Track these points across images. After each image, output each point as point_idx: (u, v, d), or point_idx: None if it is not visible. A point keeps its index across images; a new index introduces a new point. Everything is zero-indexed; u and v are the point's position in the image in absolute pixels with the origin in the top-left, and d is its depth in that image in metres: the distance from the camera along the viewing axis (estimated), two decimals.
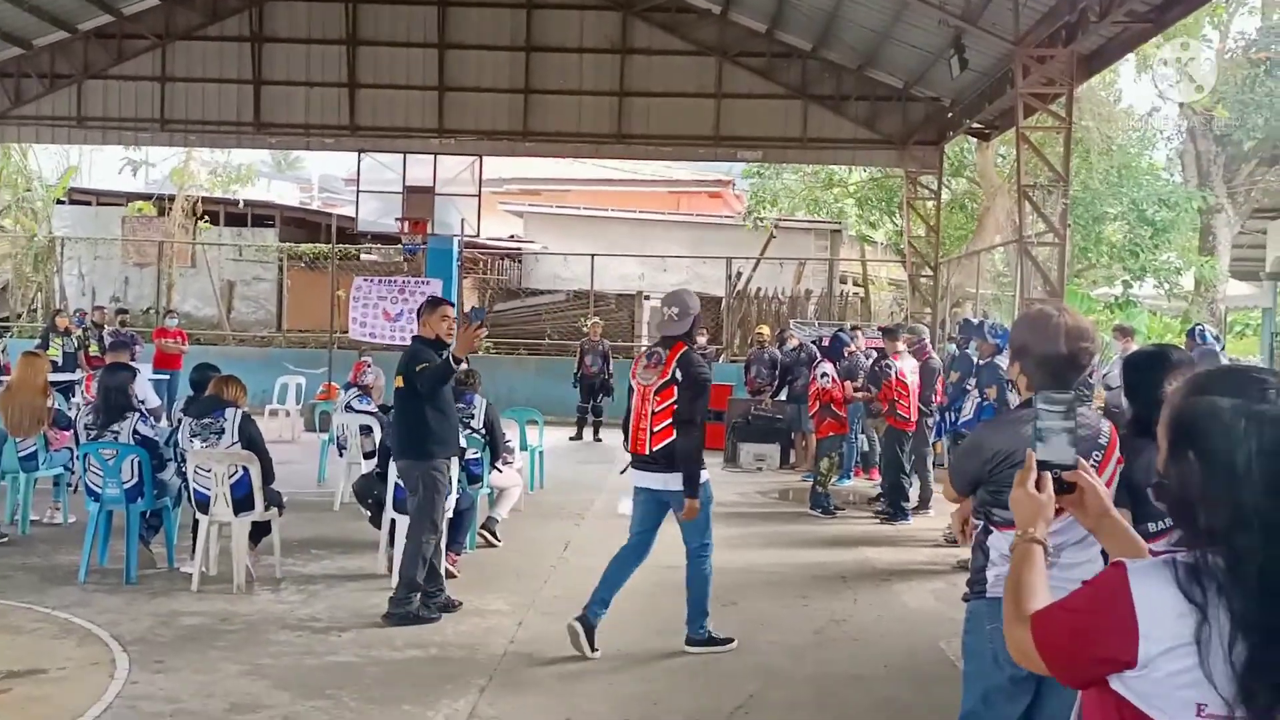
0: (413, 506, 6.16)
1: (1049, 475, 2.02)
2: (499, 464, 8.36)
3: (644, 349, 7.34)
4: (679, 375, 5.53)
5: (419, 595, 6.14)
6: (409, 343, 6.48)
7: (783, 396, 13.68)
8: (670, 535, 8.91)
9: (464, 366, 6.20)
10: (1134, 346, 11.16)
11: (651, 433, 5.55)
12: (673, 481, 5.58)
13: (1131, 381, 3.46)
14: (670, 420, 5.52)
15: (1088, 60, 12.93)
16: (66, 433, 8.35)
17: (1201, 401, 1.76)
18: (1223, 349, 10.10)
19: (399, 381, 6.14)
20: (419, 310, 6.47)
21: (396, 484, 7.05)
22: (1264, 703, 1.63)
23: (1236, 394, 1.74)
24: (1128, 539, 2.16)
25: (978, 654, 3.11)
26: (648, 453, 5.59)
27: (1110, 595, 1.72)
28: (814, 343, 14.06)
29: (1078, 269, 19.56)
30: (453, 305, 6.88)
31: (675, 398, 5.51)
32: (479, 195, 17.82)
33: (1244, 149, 20.94)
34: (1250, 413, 1.70)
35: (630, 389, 5.79)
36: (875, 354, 11.29)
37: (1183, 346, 9.70)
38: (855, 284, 23.40)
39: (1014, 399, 5.87)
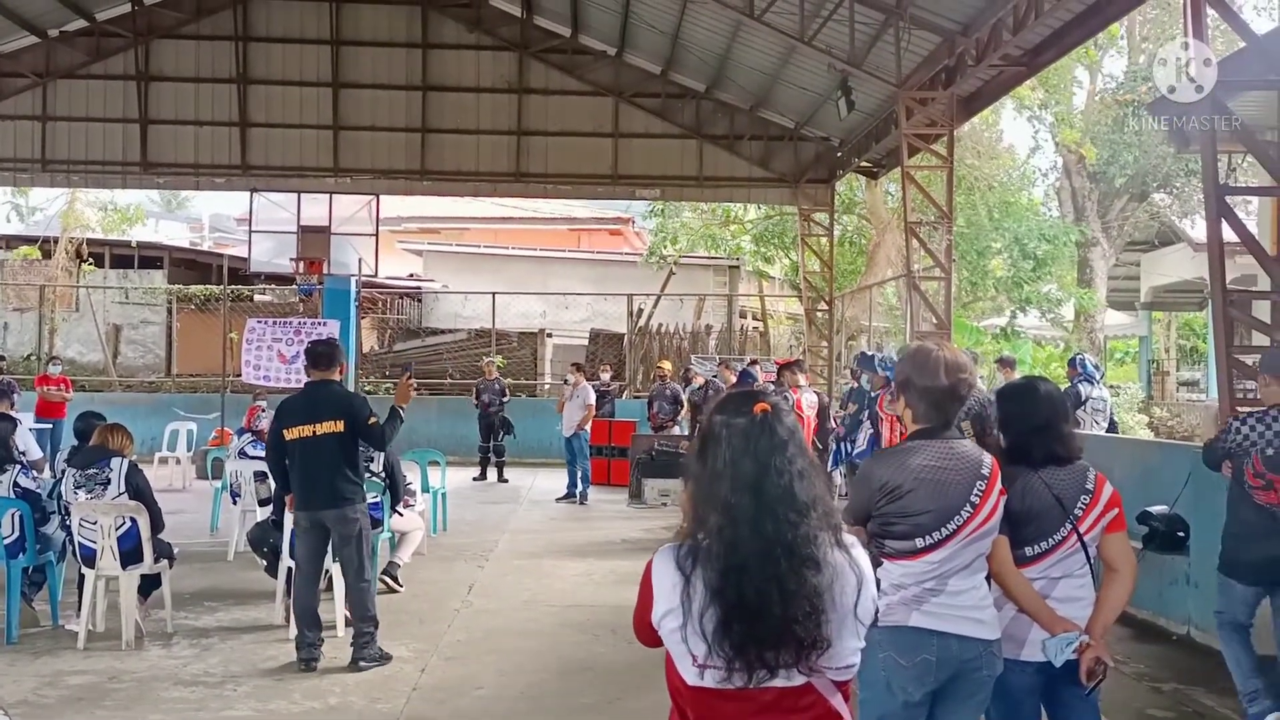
0: (352, 551, 6.13)
1: None
2: (400, 507, 8.25)
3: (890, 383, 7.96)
4: None
5: (376, 630, 6.15)
6: (332, 386, 6.31)
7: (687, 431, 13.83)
8: (575, 574, 8.93)
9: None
10: (1016, 376, 11.62)
11: None
12: None
13: (1003, 413, 3.62)
14: None
15: (966, 102, 13.49)
16: None
17: (711, 417, 2.23)
18: (1103, 376, 10.57)
19: (337, 425, 6.04)
20: (334, 355, 6.36)
21: (293, 531, 6.91)
22: (734, 657, 2.04)
23: (729, 411, 2.20)
24: None
25: (871, 682, 3.19)
26: None
27: (647, 574, 2.19)
28: (713, 378, 14.26)
29: (966, 301, 20.24)
30: None
31: None
32: (376, 234, 17.66)
33: (1115, 185, 22.00)
34: (729, 425, 2.17)
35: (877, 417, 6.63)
36: (772, 387, 11.50)
37: (1066, 374, 10.15)
38: (754, 318, 23.80)
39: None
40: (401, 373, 6.66)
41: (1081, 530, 3.39)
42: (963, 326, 17.75)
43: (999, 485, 3.18)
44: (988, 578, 3.28)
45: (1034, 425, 3.46)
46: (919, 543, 3.06)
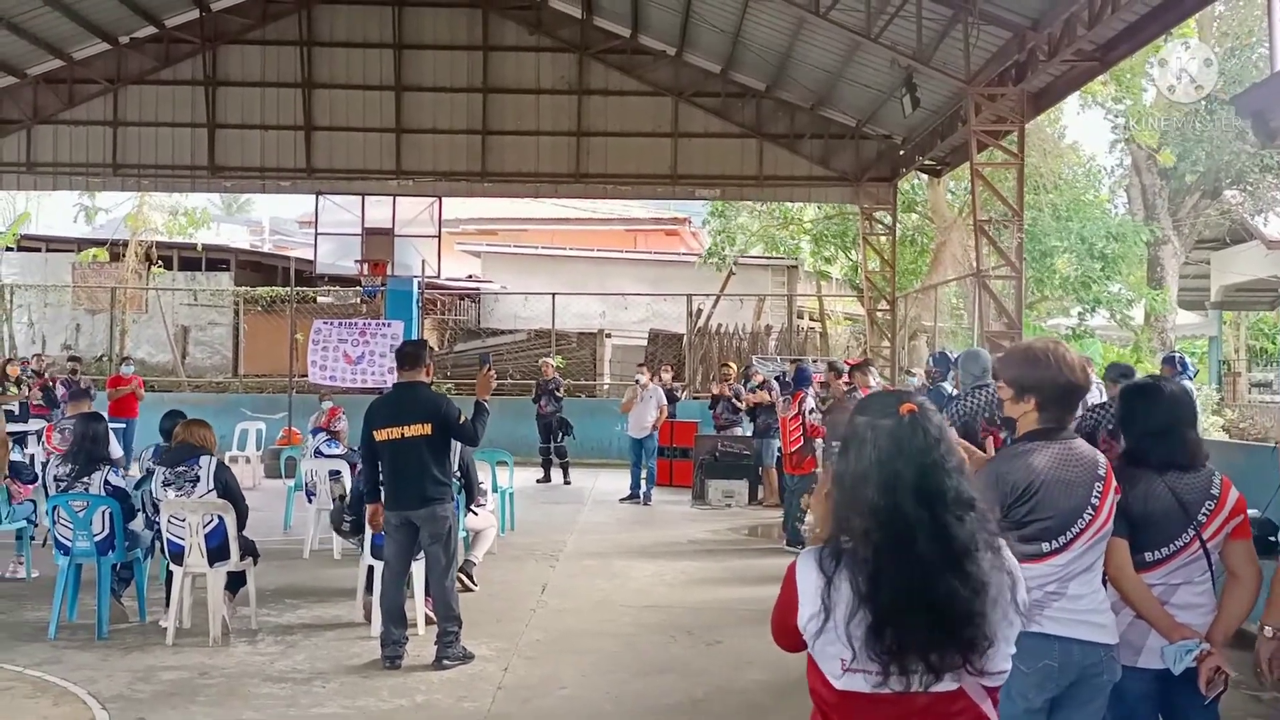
0: (439, 549, 6.17)
1: None
2: (474, 506, 8.29)
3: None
4: None
5: (459, 630, 6.20)
6: (419, 389, 6.31)
7: (749, 432, 13.76)
8: (647, 575, 8.91)
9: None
10: (1092, 376, 11.39)
11: None
12: None
13: (1125, 413, 3.53)
14: None
15: (1036, 98, 13.27)
16: (30, 486, 8.16)
17: (854, 418, 2.19)
18: (1195, 374, 10.40)
19: (425, 428, 6.08)
20: (419, 355, 6.36)
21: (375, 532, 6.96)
22: (891, 662, 2.01)
23: (874, 412, 2.16)
24: None
25: None
26: None
27: (789, 578, 2.16)
28: (777, 378, 14.15)
29: (1030, 301, 19.90)
30: None
31: None
32: (439, 236, 17.79)
33: (1186, 182, 21.53)
34: (875, 426, 2.13)
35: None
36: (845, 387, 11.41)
37: (1162, 373, 9.96)
38: (812, 319, 23.63)
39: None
40: (480, 365, 6.73)
41: (1205, 537, 3.30)
42: (1031, 328, 17.46)
43: (1114, 485, 3.12)
44: (1104, 581, 3.21)
45: (1158, 428, 3.36)
46: (1045, 546, 2.99)
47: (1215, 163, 20.84)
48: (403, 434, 6.12)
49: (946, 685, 2.06)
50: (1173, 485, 3.29)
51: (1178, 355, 9.66)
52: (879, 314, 18.55)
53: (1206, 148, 20.49)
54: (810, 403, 10.33)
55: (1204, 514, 3.28)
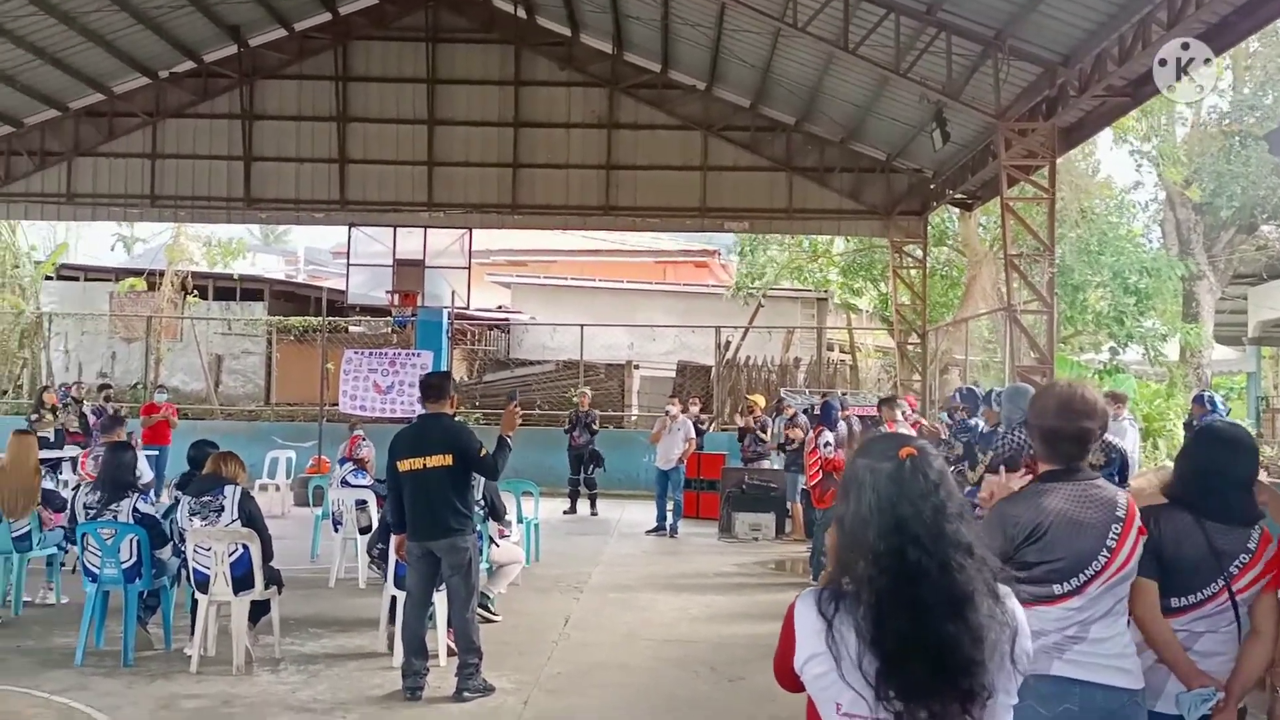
0: (459, 581, 6.19)
1: None
2: (497, 539, 8.28)
3: None
4: None
5: (480, 662, 6.17)
6: (442, 420, 6.34)
7: (778, 465, 13.70)
8: (671, 609, 8.86)
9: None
10: (1124, 413, 11.26)
11: None
12: None
13: (1197, 455, 3.43)
14: None
15: (1067, 133, 13.23)
16: (60, 514, 8.25)
17: (854, 461, 2.18)
18: (1228, 413, 10.23)
19: (446, 459, 6.11)
20: (443, 386, 6.42)
21: (398, 561, 6.98)
22: (899, 707, 1.99)
23: (874, 456, 2.15)
24: None
25: None
26: None
27: (789, 619, 2.15)
28: (804, 411, 14.10)
29: (1062, 336, 19.73)
30: None
31: None
32: (469, 267, 17.93)
33: (1222, 217, 21.33)
34: (874, 469, 2.12)
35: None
36: (868, 421, 11.38)
37: (1193, 412, 9.82)
38: (842, 351, 23.54)
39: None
40: (507, 401, 6.76)
41: (1235, 589, 3.19)
42: (1063, 362, 17.30)
43: (1137, 525, 3.05)
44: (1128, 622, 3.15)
45: (1230, 478, 3.27)
46: (1056, 589, 2.94)
47: (1250, 198, 20.64)
48: (424, 465, 6.15)
49: None
50: (1210, 533, 3.21)
51: (1207, 394, 9.48)
52: (910, 347, 18.46)
53: (1241, 183, 20.30)
54: (827, 437, 10.28)
55: (1237, 566, 3.18)
